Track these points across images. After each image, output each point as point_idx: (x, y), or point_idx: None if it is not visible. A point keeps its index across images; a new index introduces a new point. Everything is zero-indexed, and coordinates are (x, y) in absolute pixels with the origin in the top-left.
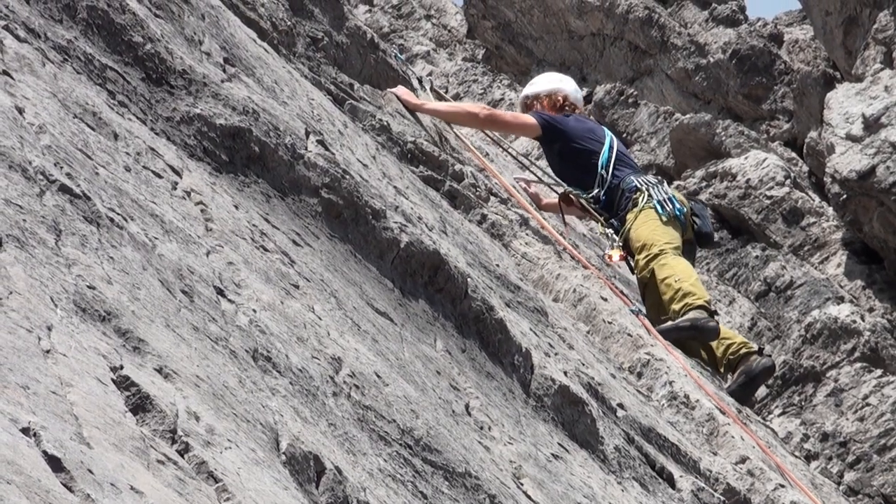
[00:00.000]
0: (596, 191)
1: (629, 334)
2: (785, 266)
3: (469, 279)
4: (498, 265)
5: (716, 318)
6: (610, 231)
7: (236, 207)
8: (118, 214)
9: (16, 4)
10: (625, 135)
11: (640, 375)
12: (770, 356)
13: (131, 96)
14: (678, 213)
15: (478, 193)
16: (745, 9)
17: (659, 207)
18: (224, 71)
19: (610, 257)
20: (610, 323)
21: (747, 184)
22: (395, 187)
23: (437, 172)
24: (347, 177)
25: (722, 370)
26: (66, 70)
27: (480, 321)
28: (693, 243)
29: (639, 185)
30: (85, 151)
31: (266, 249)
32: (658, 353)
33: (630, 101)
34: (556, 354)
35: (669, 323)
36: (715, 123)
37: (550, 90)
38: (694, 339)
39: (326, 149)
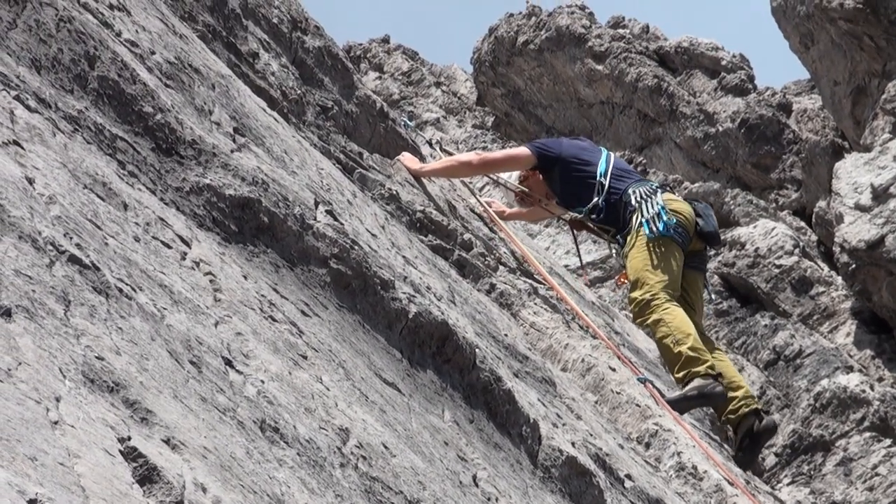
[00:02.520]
0: (595, 199)
1: (637, 404)
2: (794, 335)
3: (477, 350)
4: (506, 335)
5: (720, 379)
6: (615, 247)
7: (245, 278)
8: (127, 285)
9: (27, 74)
10: None
11: (648, 446)
12: (772, 416)
13: (141, 166)
14: (664, 230)
15: (487, 262)
16: (753, 78)
17: (646, 227)
18: (234, 141)
19: (621, 279)
20: (618, 393)
21: (756, 253)
22: (403, 257)
23: (446, 241)
24: (356, 247)
25: (720, 422)
26: (77, 140)
27: (488, 392)
28: (703, 252)
29: (635, 201)
30: (94, 222)
31: (275, 320)
32: (666, 424)
33: (639, 168)
34: (564, 425)
35: (677, 394)
36: (724, 192)
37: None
38: (703, 406)
39: (336, 219)
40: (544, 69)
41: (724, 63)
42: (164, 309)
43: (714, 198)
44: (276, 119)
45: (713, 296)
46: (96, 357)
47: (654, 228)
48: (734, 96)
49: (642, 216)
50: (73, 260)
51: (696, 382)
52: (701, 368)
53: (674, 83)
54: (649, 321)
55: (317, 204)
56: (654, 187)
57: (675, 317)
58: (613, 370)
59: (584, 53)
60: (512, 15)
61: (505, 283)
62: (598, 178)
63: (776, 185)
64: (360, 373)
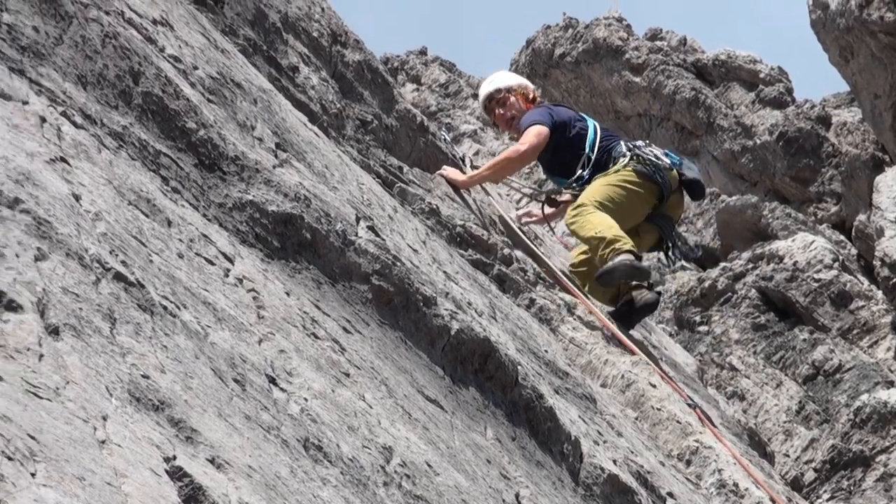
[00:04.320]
0: (579, 172)
1: (678, 421)
2: (833, 349)
3: (519, 367)
4: (546, 351)
5: (642, 259)
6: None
7: (288, 294)
8: (171, 302)
9: (73, 90)
10: None
11: (688, 463)
12: (657, 293)
13: (184, 182)
14: (653, 172)
15: (526, 277)
16: (792, 91)
17: (634, 162)
18: (276, 156)
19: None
20: (659, 409)
21: (795, 266)
22: (444, 272)
23: (486, 256)
24: (398, 263)
25: (608, 300)
26: (122, 156)
27: (530, 409)
28: (671, 218)
29: (626, 149)
30: (139, 238)
31: (317, 337)
32: (707, 441)
33: None
34: (605, 442)
35: (603, 268)
36: (762, 205)
37: (520, 84)
38: (629, 279)
39: (377, 235)
40: (581, 81)
41: (762, 76)
42: (208, 326)
43: (752, 211)
44: (316, 134)
45: (677, 263)
46: (142, 375)
47: (644, 166)
48: (772, 109)
49: (634, 153)
50: (119, 277)
51: (622, 257)
52: (626, 246)
53: (711, 96)
54: (576, 224)
55: (358, 219)
56: (646, 142)
57: (600, 216)
58: (654, 386)
59: (622, 65)
60: (549, 27)
61: (544, 298)
62: (585, 151)
63: (815, 199)
64: (402, 390)
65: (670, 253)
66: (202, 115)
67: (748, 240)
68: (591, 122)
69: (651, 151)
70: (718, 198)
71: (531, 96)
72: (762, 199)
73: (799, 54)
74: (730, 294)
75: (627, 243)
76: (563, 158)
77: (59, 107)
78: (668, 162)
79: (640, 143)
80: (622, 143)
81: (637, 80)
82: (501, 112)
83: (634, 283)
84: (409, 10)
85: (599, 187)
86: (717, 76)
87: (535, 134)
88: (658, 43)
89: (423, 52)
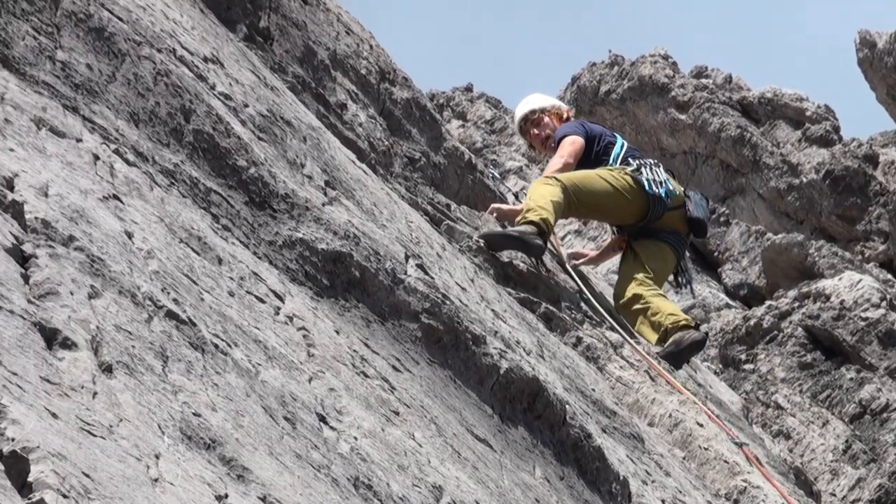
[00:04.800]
0: None
1: (725, 461)
2: (881, 388)
3: (567, 406)
4: (594, 389)
5: (547, 239)
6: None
7: (337, 332)
8: (222, 340)
9: (125, 128)
10: (716, 253)
11: (736, 503)
12: (705, 333)
13: (235, 220)
14: (650, 189)
15: (573, 316)
16: (839, 129)
17: (632, 166)
18: (325, 194)
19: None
20: (706, 449)
21: (841, 305)
22: (493, 311)
23: (534, 294)
24: (448, 302)
25: (657, 341)
26: (173, 194)
27: (579, 448)
28: (681, 234)
29: (635, 162)
30: (190, 276)
31: (367, 375)
32: (755, 481)
33: (721, 219)
34: (653, 482)
35: (497, 229)
36: (808, 244)
37: (553, 105)
38: (518, 251)
39: (426, 273)
40: (627, 118)
41: (808, 114)
42: (259, 365)
43: (798, 249)
44: (365, 171)
45: (690, 286)
46: (193, 413)
47: (648, 182)
48: (819, 147)
49: (639, 170)
50: (171, 315)
51: (523, 227)
52: (535, 218)
53: (757, 134)
54: (529, 190)
55: (407, 257)
56: (656, 162)
57: (546, 189)
58: (701, 426)
59: (667, 103)
60: (595, 64)
61: (591, 337)
62: (610, 162)
63: (862, 237)
64: (452, 429)
65: (680, 277)
66: (253, 153)
67: (794, 278)
68: (620, 139)
69: (654, 173)
70: (764, 236)
71: (565, 116)
72: (808, 238)
73: (846, 93)
74: (776, 332)
75: (540, 214)
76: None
77: (111, 144)
78: (660, 192)
79: (655, 163)
80: (641, 158)
81: (682, 117)
82: (536, 132)
83: (682, 323)
84: (456, 46)
85: (584, 171)
86: (763, 114)
87: (570, 143)
88: (704, 80)
89: (468, 89)
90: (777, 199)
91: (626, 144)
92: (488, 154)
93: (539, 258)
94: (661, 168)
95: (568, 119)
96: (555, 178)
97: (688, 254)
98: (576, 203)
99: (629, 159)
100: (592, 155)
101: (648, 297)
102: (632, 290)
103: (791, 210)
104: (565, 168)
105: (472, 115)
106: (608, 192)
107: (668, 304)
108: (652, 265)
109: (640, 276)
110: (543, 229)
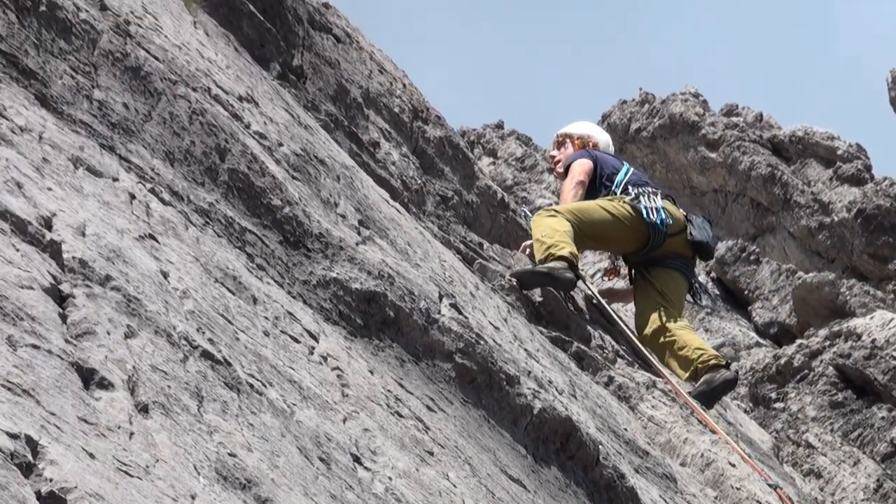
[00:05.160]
0: None
1: (758, 501)
2: None
3: (600, 445)
4: (626, 429)
5: (578, 272)
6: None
7: (371, 372)
8: (258, 380)
9: (161, 167)
10: (746, 292)
11: None
12: (735, 371)
13: (269, 259)
14: (647, 216)
15: (605, 355)
16: (871, 167)
17: (631, 194)
18: (359, 233)
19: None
20: (738, 489)
21: (873, 344)
22: (526, 350)
23: (565, 333)
24: (481, 342)
25: (689, 374)
26: (208, 233)
27: (612, 489)
28: (687, 258)
29: (633, 191)
30: (226, 316)
31: (401, 415)
32: None
33: (752, 258)
34: None
35: (528, 267)
36: (839, 282)
37: (584, 134)
38: (550, 287)
39: (460, 312)
40: (657, 156)
41: (839, 152)
42: (294, 405)
43: (829, 288)
44: (398, 210)
45: (707, 302)
46: (229, 454)
47: (646, 209)
48: (850, 186)
49: (638, 199)
50: (206, 355)
51: (552, 263)
52: (561, 252)
53: (788, 172)
54: (534, 223)
55: (441, 297)
56: (655, 190)
57: (555, 220)
58: (733, 466)
59: (698, 141)
60: (625, 102)
61: (623, 376)
62: (612, 188)
63: (894, 276)
64: (486, 469)
65: (696, 297)
66: (287, 192)
67: (825, 317)
68: (626, 166)
69: (652, 200)
70: (795, 274)
71: (588, 147)
72: (840, 276)
73: (878, 131)
74: (806, 371)
75: (564, 249)
76: (594, 196)
77: (147, 183)
78: (655, 219)
79: (654, 191)
80: (643, 186)
81: (713, 155)
82: (555, 154)
83: (712, 362)
84: (487, 83)
85: (582, 202)
86: (794, 152)
87: (580, 163)
88: (734, 119)
89: (499, 126)
90: (808, 237)
91: (631, 171)
92: (518, 191)
93: (570, 292)
94: (660, 195)
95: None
96: (555, 210)
97: (696, 271)
98: (579, 234)
99: (629, 187)
100: (599, 183)
101: (673, 329)
102: (654, 321)
103: (822, 249)
104: (579, 186)
105: (502, 152)
106: (609, 220)
107: (694, 338)
108: (668, 292)
109: (659, 305)
110: (573, 262)
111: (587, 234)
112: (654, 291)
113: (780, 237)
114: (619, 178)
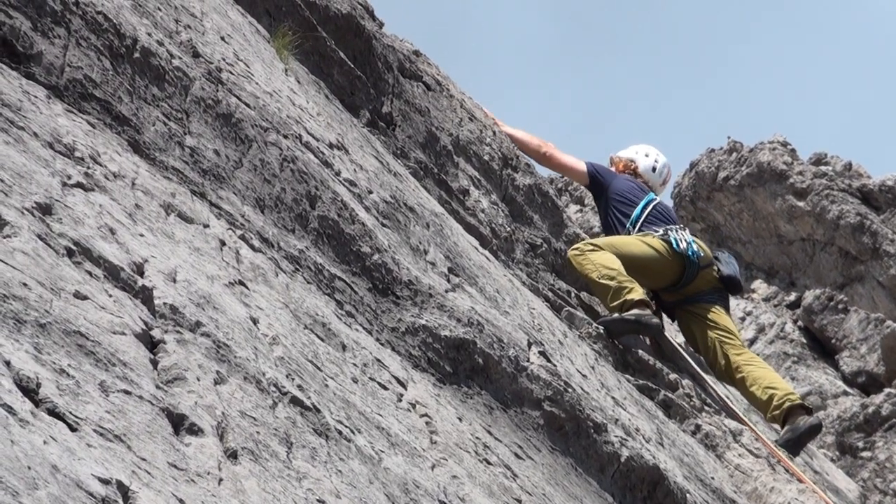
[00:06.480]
0: None
1: None
2: None
3: (688, 494)
4: (713, 478)
5: (658, 312)
6: None
7: (460, 420)
8: (346, 427)
9: (251, 214)
10: (833, 340)
11: None
12: (816, 416)
13: (358, 306)
14: (677, 247)
15: (692, 403)
16: None
17: (661, 231)
18: (448, 281)
19: None
20: None
21: None
22: (613, 398)
23: (653, 381)
24: (570, 390)
25: (768, 417)
26: (298, 280)
27: None
28: (722, 289)
29: (662, 230)
30: (315, 363)
31: (489, 463)
32: None
33: (840, 307)
34: None
35: (616, 315)
36: None
37: (627, 158)
38: (637, 333)
39: (548, 360)
40: (744, 205)
41: None
42: (382, 451)
43: None
44: (487, 258)
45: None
46: (317, 500)
47: (673, 244)
48: None
49: (668, 234)
50: (295, 401)
51: (636, 311)
52: (637, 296)
53: (877, 221)
54: (576, 263)
55: (530, 345)
56: (683, 227)
57: (601, 255)
58: None
59: (786, 190)
60: (713, 150)
61: (710, 425)
62: (626, 226)
63: None
64: None
65: None
66: (377, 240)
67: None
68: (644, 201)
69: (681, 235)
70: (883, 323)
71: (629, 171)
72: None
73: None
74: (895, 420)
75: (637, 292)
76: (612, 220)
77: (237, 230)
78: (686, 250)
79: (681, 227)
80: (667, 224)
81: (801, 204)
82: None
83: (791, 403)
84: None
85: (619, 237)
86: (884, 202)
87: (572, 161)
88: (823, 168)
89: None
90: None
91: (651, 206)
92: None
93: (658, 336)
94: (687, 231)
95: (627, 172)
96: (594, 244)
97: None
98: None
99: (644, 227)
100: (614, 217)
101: (742, 365)
102: (721, 356)
103: None
104: (542, 156)
105: (589, 199)
106: (647, 253)
107: (766, 374)
108: (721, 322)
109: (722, 338)
110: (649, 303)
111: (627, 266)
112: (707, 325)
113: (868, 286)
114: (634, 214)
